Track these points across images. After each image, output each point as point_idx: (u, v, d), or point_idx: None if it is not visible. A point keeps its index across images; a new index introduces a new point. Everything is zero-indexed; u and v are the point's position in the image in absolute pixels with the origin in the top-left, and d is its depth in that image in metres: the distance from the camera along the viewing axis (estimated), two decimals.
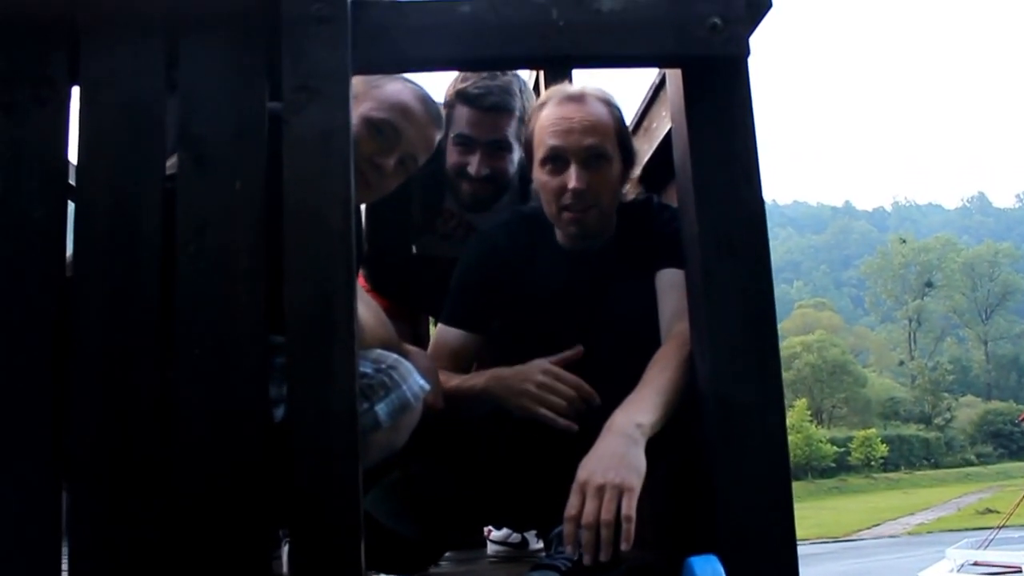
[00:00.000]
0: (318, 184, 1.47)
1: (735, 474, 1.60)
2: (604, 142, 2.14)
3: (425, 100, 2.06)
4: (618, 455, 1.73)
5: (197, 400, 1.43)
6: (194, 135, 1.50)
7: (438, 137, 2.14)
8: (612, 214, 2.26)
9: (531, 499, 2.02)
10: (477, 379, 2.18)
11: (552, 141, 2.13)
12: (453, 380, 2.20)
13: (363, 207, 2.69)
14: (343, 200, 1.47)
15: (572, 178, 2.11)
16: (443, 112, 2.55)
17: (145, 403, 1.43)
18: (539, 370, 2.06)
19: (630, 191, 2.32)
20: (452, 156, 2.68)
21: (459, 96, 2.64)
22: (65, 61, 1.53)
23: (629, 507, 1.66)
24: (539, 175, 2.19)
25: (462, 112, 2.64)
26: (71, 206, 1.52)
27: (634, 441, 1.76)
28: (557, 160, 2.14)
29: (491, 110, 2.62)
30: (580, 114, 2.14)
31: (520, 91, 2.68)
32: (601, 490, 1.67)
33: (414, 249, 2.98)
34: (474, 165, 2.64)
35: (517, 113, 2.63)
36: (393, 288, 2.96)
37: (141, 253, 1.47)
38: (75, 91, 1.53)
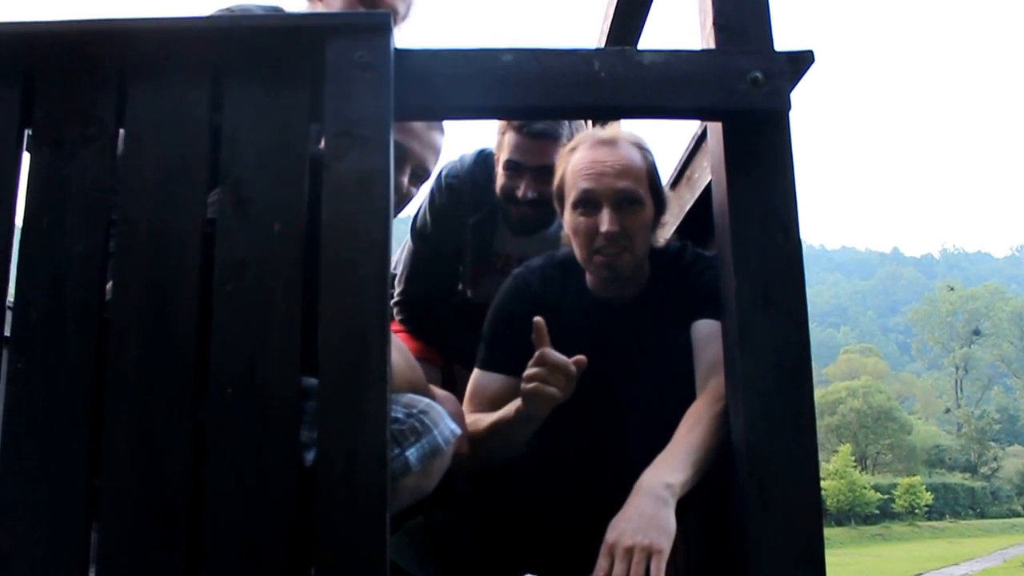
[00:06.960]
0: (356, 229, 1.47)
1: (768, 529, 1.56)
2: (637, 186, 2.14)
3: None
4: (647, 516, 1.71)
5: (228, 441, 1.43)
6: (235, 177, 1.52)
7: (441, 139, 2.19)
8: (644, 260, 2.24)
9: (556, 548, 1.99)
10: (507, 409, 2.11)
11: (584, 184, 2.13)
12: (487, 419, 2.16)
13: (412, 254, 2.99)
14: (381, 245, 1.47)
15: (605, 221, 2.10)
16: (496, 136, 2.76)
17: (177, 442, 1.43)
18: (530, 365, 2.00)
19: (663, 238, 2.31)
20: (501, 180, 2.83)
21: (508, 123, 2.78)
22: (114, 101, 1.55)
23: (658, 570, 1.64)
24: (571, 218, 2.19)
25: (511, 138, 2.78)
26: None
27: (664, 502, 1.73)
28: (589, 203, 2.14)
29: (538, 136, 2.74)
30: (613, 158, 2.15)
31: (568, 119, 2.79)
32: (630, 552, 1.65)
33: (469, 294, 3.05)
34: (522, 189, 2.78)
35: (564, 140, 2.70)
36: (434, 333, 3.09)
37: (179, 292, 1.48)
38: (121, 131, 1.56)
